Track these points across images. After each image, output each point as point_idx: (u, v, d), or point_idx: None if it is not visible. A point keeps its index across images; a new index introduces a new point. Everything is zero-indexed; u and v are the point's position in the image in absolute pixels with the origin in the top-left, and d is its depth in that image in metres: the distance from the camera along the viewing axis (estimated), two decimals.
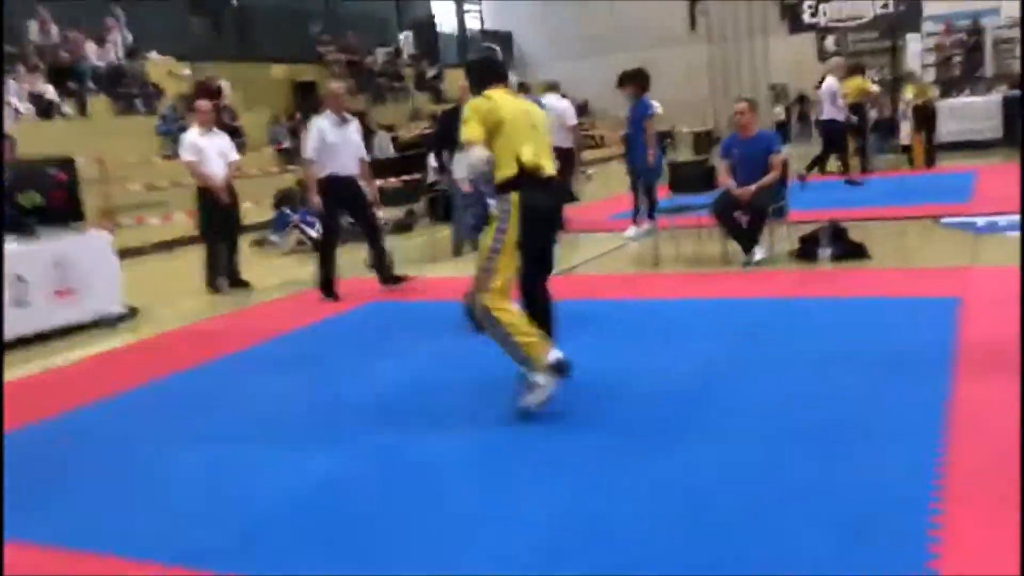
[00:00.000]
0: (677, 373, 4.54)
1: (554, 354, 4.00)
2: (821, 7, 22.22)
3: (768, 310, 5.77)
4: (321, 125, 7.20)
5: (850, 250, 7.18)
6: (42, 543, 3.14)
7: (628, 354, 5.00)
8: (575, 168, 11.86)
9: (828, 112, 12.42)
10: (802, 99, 22.82)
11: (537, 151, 4.18)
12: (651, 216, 9.21)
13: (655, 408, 4.05)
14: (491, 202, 4.49)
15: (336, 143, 7.18)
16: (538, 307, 4.35)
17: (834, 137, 12.65)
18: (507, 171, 4.10)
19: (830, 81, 12.47)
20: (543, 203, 4.19)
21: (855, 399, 3.93)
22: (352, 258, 8.19)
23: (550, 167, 4.28)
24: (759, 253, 7.28)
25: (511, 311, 4.05)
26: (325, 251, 7.43)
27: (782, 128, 21.83)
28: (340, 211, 7.48)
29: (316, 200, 7.23)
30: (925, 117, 14.21)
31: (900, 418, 3.66)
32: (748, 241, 7.28)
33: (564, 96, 11.88)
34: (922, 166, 14.06)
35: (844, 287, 6.26)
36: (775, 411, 3.86)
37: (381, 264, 7.57)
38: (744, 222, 7.28)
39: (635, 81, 9.40)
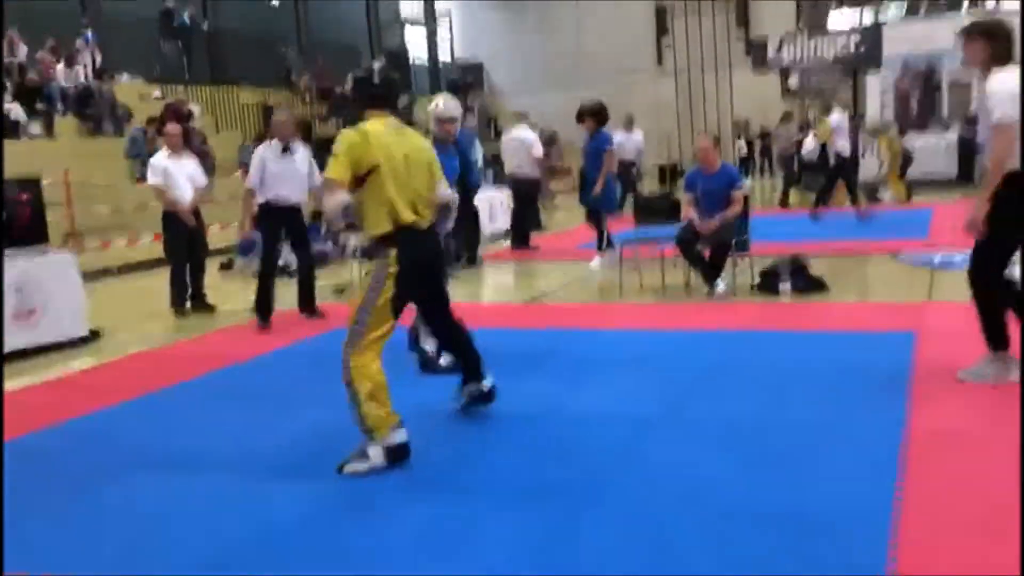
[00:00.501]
0: (634, 402, 4.61)
1: (398, 436, 3.79)
2: (785, 46, 22.67)
3: (729, 341, 5.87)
4: (264, 154, 7.28)
5: (810, 284, 7.33)
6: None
7: (589, 382, 5.06)
8: (542, 197, 12.02)
9: (839, 146, 12.47)
10: (765, 135, 23.22)
11: (415, 201, 3.88)
12: (600, 247, 9.47)
13: (611, 434, 4.10)
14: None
15: (277, 172, 7.22)
16: (453, 340, 4.38)
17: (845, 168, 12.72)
18: (381, 227, 3.82)
19: (838, 116, 12.54)
20: (424, 257, 3.97)
21: (815, 427, 4.02)
22: (324, 283, 8.18)
23: (427, 216, 3.99)
24: (721, 285, 7.41)
25: (374, 374, 3.78)
26: (262, 279, 7.39)
27: (745, 163, 22.22)
28: (278, 240, 7.52)
29: (247, 229, 7.55)
30: (905, 161, 15.01)
31: (858, 443, 3.75)
32: (711, 273, 7.40)
33: (534, 126, 12.04)
34: (904, 201, 14.51)
35: (804, 320, 6.39)
36: (733, 439, 3.93)
37: (307, 295, 7.62)
38: (707, 254, 7.41)
39: (594, 115, 9.58)
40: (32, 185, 7.31)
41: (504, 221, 12.22)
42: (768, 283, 7.42)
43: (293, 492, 3.66)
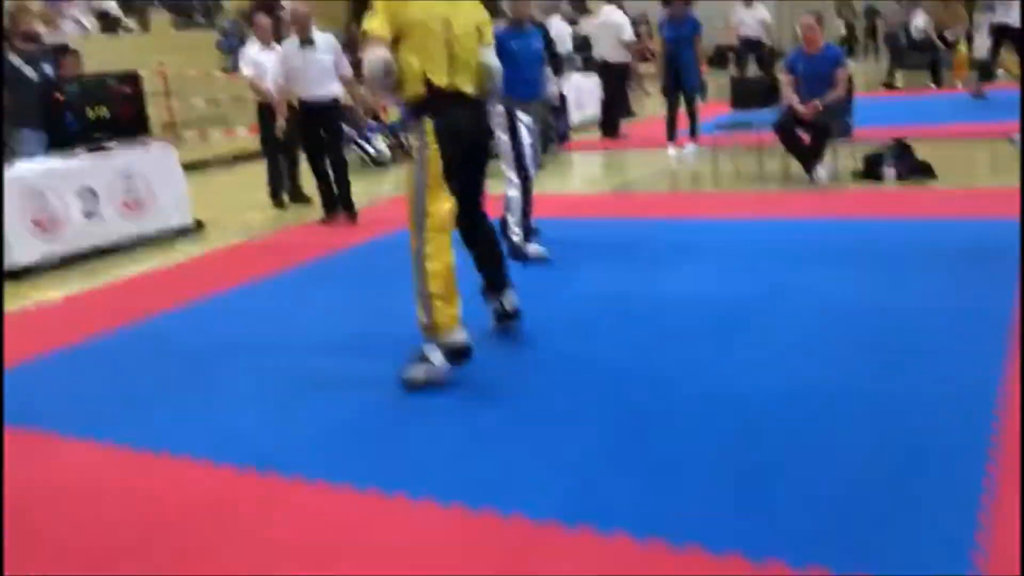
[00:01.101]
0: (728, 288, 4.56)
1: (460, 336, 3.56)
2: None
3: (829, 229, 5.71)
4: (284, 49, 7.12)
5: (916, 169, 7.03)
6: (121, 443, 3.32)
7: (681, 269, 5.02)
8: (632, 83, 11.67)
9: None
10: (871, 13, 21.89)
11: (454, 68, 3.53)
12: (693, 134, 9.23)
13: (702, 318, 4.08)
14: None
15: (299, 66, 7.00)
16: (481, 245, 3.97)
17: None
18: (415, 88, 3.51)
19: None
20: (463, 127, 3.60)
21: (920, 314, 3.94)
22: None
23: (469, 86, 3.64)
24: (822, 172, 7.16)
25: (442, 267, 3.52)
26: (316, 174, 7.29)
27: (844, 44, 21.03)
28: (317, 138, 7.24)
29: (280, 123, 7.22)
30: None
31: (963, 333, 3.66)
32: (811, 159, 7.16)
33: (623, 10, 11.60)
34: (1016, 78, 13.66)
35: (909, 207, 6.15)
36: (832, 327, 3.87)
37: (345, 198, 7.34)
38: (807, 140, 7.15)
39: None
40: (132, 79, 7.48)
41: (593, 108, 11.95)
42: (871, 169, 7.14)
43: (387, 371, 3.75)
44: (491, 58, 3.77)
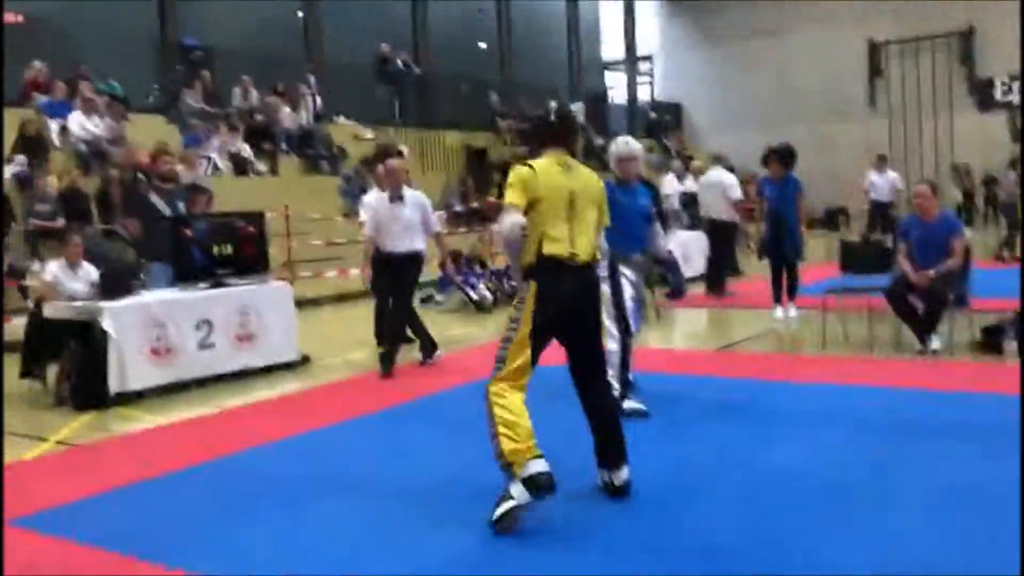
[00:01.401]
0: (832, 461, 4.34)
1: (537, 466, 3.57)
2: (1015, 84, 21.04)
3: (943, 402, 5.43)
4: (373, 203, 7.37)
5: None
6: (188, 572, 3.31)
7: (782, 436, 4.82)
8: (739, 241, 11.68)
9: None
10: (989, 181, 21.55)
11: (571, 236, 3.82)
12: (793, 296, 9.02)
13: (804, 494, 3.87)
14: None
15: (385, 220, 7.18)
16: (594, 407, 4.00)
17: None
18: (528, 256, 3.82)
19: None
20: (568, 293, 3.80)
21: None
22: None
23: (585, 253, 3.87)
24: (936, 342, 6.89)
25: (511, 405, 3.67)
26: (378, 324, 7.53)
27: (965, 211, 20.67)
28: (389, 286, 7.37)
29: (367, 273, 7.31)
30: None
31: None
32: (924, 328, 6.91)
33: (731, 169, 11.77)
34: None
35: None
36: (946, 509, 3.61)
37: (425, 341, 7.54)
38: (920, 308, 6.92)
39: (781, 157, 9.08)
40: (257, 219, 7.89)
41: (699, 264, 11.95)
42: (991, 341, 6.83)
43: (476, 519, 3.68)
44: (602, 240, 4.24)
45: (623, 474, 3.99)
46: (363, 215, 8.56)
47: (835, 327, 7.83)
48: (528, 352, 3.75)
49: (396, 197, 7.23)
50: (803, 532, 3.51)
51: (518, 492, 3.55)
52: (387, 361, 7.09)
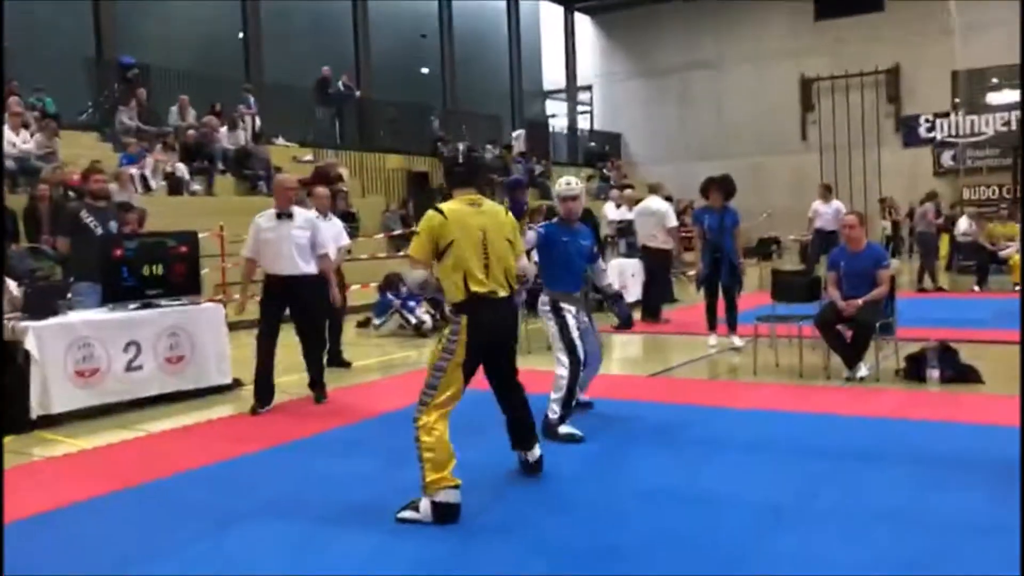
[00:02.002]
0: (762, 487, 4.40)
1: (449, 496, 4.01)
2: (939, 122, 21.86)
3: (869, 429, 5.56)
4: (257, 220, 6.82)
5: (961, 372, 6.90)
6: None
7: (714, 462, 4.89)
8: (675, 269, 11.86)
9: None
10: (913, 213, 22.29)
11: (490, 273, 4.18)
12: (733, 326, 9.00)
13: (735, 520, 3.92)
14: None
15: (271, 239, 6.70)
16: (509, 403, 4.55)
17: None
18: (456, 295, 4.17)
19: None
20: (494, 325, 4.24)
21: (960, 527, 3.73)
22: None
23: (503, 289, 4.26)
24: (863, 369, 7.07)
25: (437, 435, 4.04)
26: (259, 351, 6.76)
27: (889, 242, 21.34)
28: (277, 316, 6.80)
29: (244, 300, 6.89)
30: None
31: (1008, 549, 3.45)
32: (852, 356, 7.08)
33: (669, 199, 11.97)
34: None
35: (952, 411, 5.99)
36: (870, 535, 3.69)
37: (316, 377, 7.04)
38: (848, 336, 7.10)
39: (723, 187, 9.06)
40: (190, 239, 7.74)
41: (636, 291, 12.08)
42: (914, 369, 7.03)
43: (406, 548, 3.65)
44: (523, 263, 4.53)
45: (536, 452, 4.65)
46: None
47: (766, 354, 7.98)
48: (460, 378, 4.14)
49: (284, 215, 6.79)
50: (731, 554, 3.55)
51: (424, 510, 4.00)
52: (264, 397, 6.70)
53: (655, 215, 11.25)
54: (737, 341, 8.90)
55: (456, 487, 4.02)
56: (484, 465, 4.72)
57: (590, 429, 5.62)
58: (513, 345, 4.51)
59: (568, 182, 5.91)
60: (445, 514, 3.98)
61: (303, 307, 6.85)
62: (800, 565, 3.43)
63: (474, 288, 4.14)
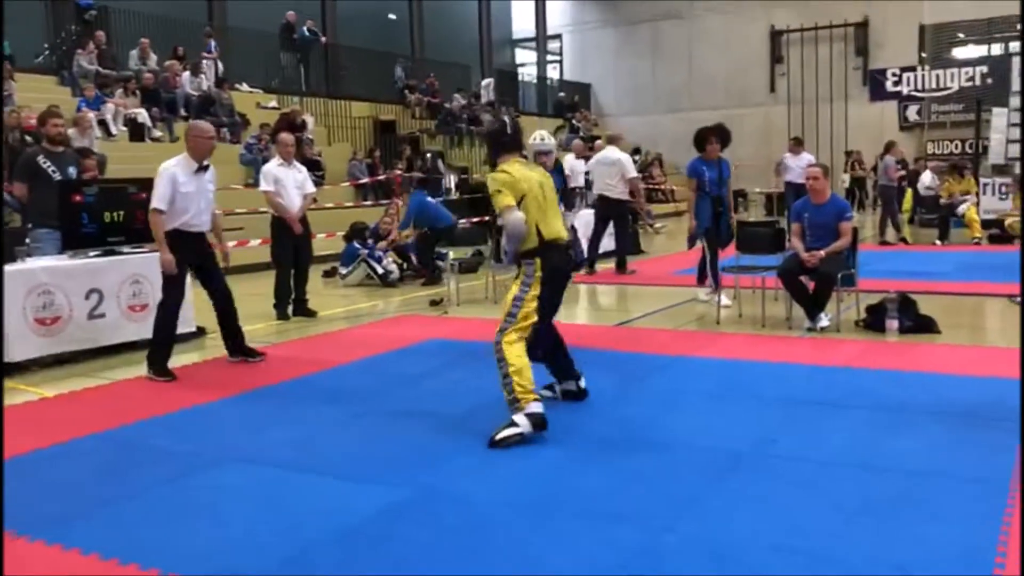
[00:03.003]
0: (723, 434, 4.49)
1: (538, 407, 4.45)
2: (905, 76, 21.96)
3: (829, 378, 5.67)
4: (172, 171, 6.17)
5: (919, 323, 7.03)
6: (88, 553, 3.23)
7: (678, 410, 4.97)
8: (644, 220, 11.85)
9: None
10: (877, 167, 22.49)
11: (553, 222, 4.74)
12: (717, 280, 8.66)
13: (696, 466, 4.00)
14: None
15: (190, 193, 6.21)
16: (552, 341, 5.06)
17: None
18: (530, 242, 4.66)
19: None
20: (562, 265, 4.77)
21: (914, 473, 3.83)
22: (414, 296, 8.30)
23: (564, 233, 4.83)
24: (824, 320, 7.18)
25: (521, 356, 4.53)
26: (168, 315, 6.22)
27: (848, 195, 21.54)
28: (185, 272, 6.32)
29: (168, 257, 6.06)
30: None
31: (960, 494, 3.56)
32: (814, 306, 7.18)
33: (636, 151, 11.92)
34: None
35: (910, 360, 6.12)
36: (827, 481, 3.79)
37: (231, 333, 6.66)
38: (811, 287, 7.19)
39: (722, 137, 8.73)
40: (151, 186, 7.60)
41: (608, 242, 12.06)
42: (874, 319, 7.15)
43: (371, 495, 3.69)
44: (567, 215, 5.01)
45: (583, 382, 5.21)
46: (264, 185, 8.42)
47: (730, 305, 8.07)
48: (535, 308, 4.63)
49: (200, 168, 6.33)
50: (688, 495, 3.63)
51: (523, 423, 4.39)
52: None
53: (614, 165, 11.21)
54: (725, 299, 8.42)
55: (539, 400, 4.52)
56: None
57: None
58: (565, 286, 5.00)
59: (542, 137, 5.98)
60: (539, 423, 4.41)
61: (213, 267, 6.53)
62: (756, 506, 3.51)
63: (547, 235, 4.66)
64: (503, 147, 4.83)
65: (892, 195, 14.92)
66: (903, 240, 14.37)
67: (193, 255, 6.31)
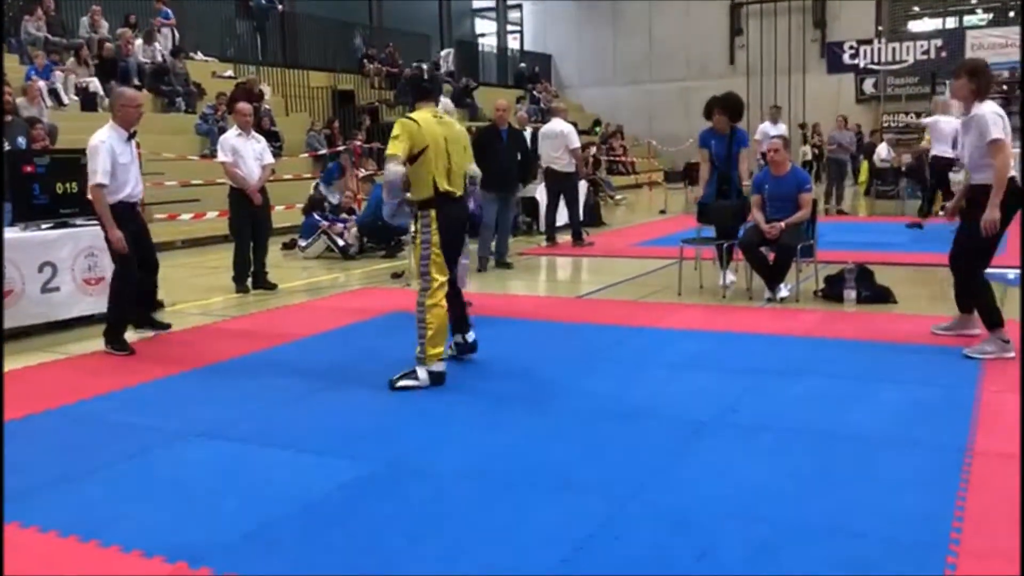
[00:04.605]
0: (686, 403, 4.53)
1: (441, 367, 4.90)
2: (862, 48, 22.17)
3: (788, 347, 5.74)
4: (107, 142, 5.96)
5: (876, 293, 7.14)
6: (48, 530, 3.18)
7: (640, 380, 5.01)
8: (605, 192, 11.85)
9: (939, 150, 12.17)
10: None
11: (451, 176, 4.92)
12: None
13: (659, 435, 4.04)
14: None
15: (127, 164, 6.07)
16: (452, 299, 5.18)
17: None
18: (425, 193, 4.86)
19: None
20: (455, 217, 4.98)
21: (872, 439, 3.91)
22: (375, 268, 8.25)
23: (460, 189, 5.01)
24: (784, 290, 7.27)
25: (440, 318, 4.89)
26: (125, 293, 6.13)
27: (808, 166, 21.76)
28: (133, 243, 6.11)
29: (117, 235, 5.90)
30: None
31: (917, 459, 3.64)
32: (774, 277, 7.26)
33: (597, 123, 11.88)
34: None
35: (867, 330, 6.22)
36: (786, 448, 3.85)
37: (148, 305, 6.68)
38: (771, 258, 7.27)
39: (728, 109, 8.01)
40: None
41: (564, 214, 12.07)
42: (832, 290, 7.25)
43: (334, 468, 3.68)
44: (473, 168, 5.16)
45: (471, 335, 5.42)
46: (221, 154, 8.28)
47: (691, 276, 8.14)
48: (442, 260, 4.90)
49: (131, 136, 6.20)
50: (652, 465, 3.66)
51: (424, 377, 4.85)
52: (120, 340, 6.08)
53: (559, 137, 11.19)
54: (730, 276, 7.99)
55: (444, 361, 4.91)
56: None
57: (518, 350, 5.70)
58: (464, 238, 5.29)
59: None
60: (438, 380, 4.85)
61: (146, 236, 6.46)
62: (718, 474, 3.55)
63: (441, 187, 4.84)
64: (420, 93, 5.04)
65: (844, 168, 15.13)
66: (840, 211, 14.56)
67: (135, 225, 6.23)
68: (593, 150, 19.91)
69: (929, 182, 13.31)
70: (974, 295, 5.42)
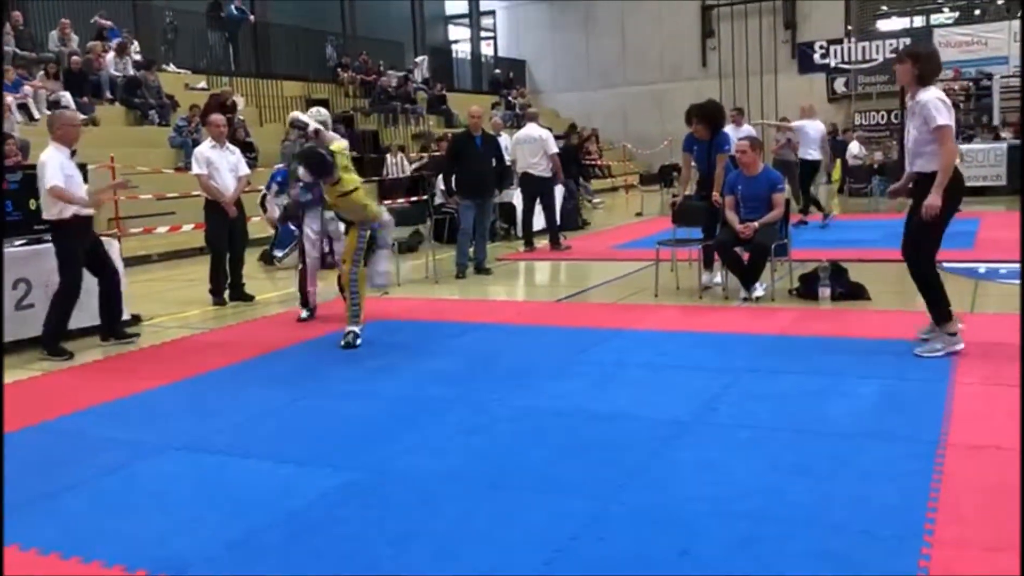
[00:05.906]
0: (665, 404, 4.57)
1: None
2: (832, 48, 22.40)
3: (765, 346, 5.80)
4: (57, 157, 6.31)
5: (850, 290, 7.22)
6: (29, 547, 3.16)
7: (620, 382, 5.04)
8: (584, 196, 11.87)
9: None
10: None
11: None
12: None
13: (639, 435, 4.08)
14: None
15: (75, 178, 6.34)
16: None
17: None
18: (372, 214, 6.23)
19: None
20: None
21: (849, 435, 3.96)
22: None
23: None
24: (759, 289, 7.33)
25: (364, 286, 6.26)
26: (66, 304, 6.42)
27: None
28: (83, 254, 6.49)
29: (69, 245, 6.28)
30: None
31: (892, 453, 3.69)
32: (749, 277, 7.33)
33: (572, 127, 11.93)
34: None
35: (842, 326, 6.29)
36: (764, 445, 3.89)
37: (112, 317, 6.85)
38: (745, 258, 7.33)
39: (707, 118, 8.07)
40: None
41: (541, 219, 12.10)
42: (807, 288, 7.33)
43: (315, 477, 3.68)
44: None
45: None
46: (196, 167, 8.25)
47: (667, 277, 8.19)
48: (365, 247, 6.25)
49: (73, 153, 6.40)
50: (635, 463, 3.69)
51: (359, 330, 6.20)
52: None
53: (536, 142, 11.23)
54: (717, 277, 8.02)
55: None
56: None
57: (498, 354, 5.72)
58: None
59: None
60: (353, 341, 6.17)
61: (103, 251, 6.74)
62: (699, 472, 3.59)
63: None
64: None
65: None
66: (802, 210, 14.56)
67: (87, 240, 6.51)
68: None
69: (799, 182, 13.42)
70: (925, 286, 5.34)
